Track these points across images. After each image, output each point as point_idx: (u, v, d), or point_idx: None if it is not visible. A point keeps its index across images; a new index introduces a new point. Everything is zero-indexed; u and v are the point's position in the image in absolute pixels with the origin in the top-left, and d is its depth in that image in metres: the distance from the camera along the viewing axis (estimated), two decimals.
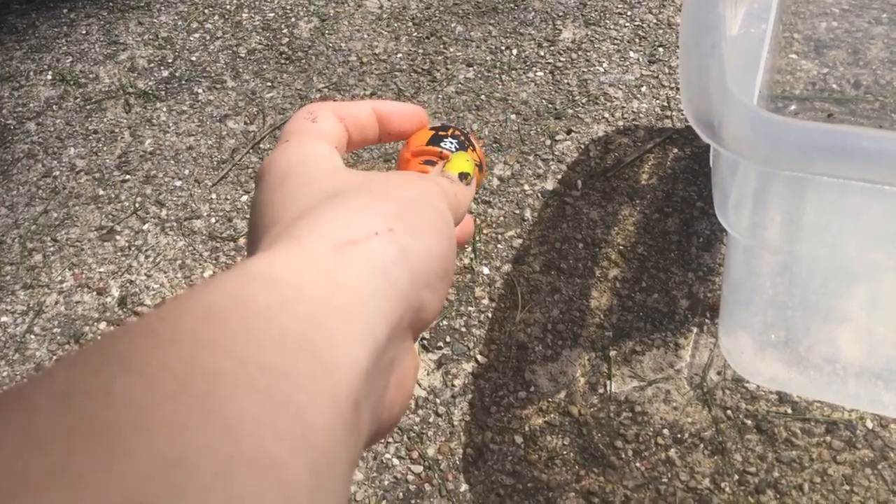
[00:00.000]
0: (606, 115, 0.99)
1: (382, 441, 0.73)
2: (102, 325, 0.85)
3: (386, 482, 0.70)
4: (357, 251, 0.23)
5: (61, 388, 0.16)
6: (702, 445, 0.70)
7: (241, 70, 1.11)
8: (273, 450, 0.16)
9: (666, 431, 0.71)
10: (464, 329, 0.80)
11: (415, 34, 1.12)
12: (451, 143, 0.33)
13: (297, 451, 0.16)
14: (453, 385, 0.76)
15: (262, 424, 0.16)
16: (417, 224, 0.25)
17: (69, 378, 0.16)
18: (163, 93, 1.10)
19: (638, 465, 0.69)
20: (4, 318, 0.87)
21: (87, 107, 1.10)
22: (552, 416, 0.73)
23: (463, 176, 0.31)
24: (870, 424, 0.70)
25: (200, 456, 0.15)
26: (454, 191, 0.30)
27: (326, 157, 0.28)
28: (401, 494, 0.70)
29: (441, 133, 0.33)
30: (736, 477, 0.68)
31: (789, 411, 0.71)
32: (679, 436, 0.71)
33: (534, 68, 1.06)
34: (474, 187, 0.32)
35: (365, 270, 0.22)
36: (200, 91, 1.10)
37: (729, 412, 0.71)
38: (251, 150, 1.00)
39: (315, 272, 0.21)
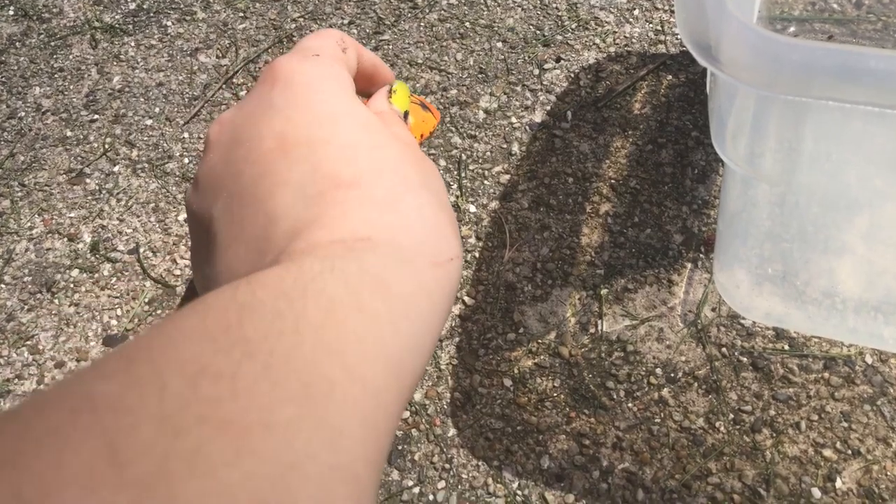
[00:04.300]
0: (597, 40, 0.94)
1: None
2: (75, 273, 0.81)
3: None
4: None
5: (191, 367, 0.16)
6: (696, 384, 0.68)
7: (211, 0, 1.06)
8: (360, 471, 0.17)
9: (659, 371, 0.69)
10: None
11: None
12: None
13: (374, 469, 0.17)
14: None
15: (356, 443, 0.17)
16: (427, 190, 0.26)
17: (196, 356, 0.16)
18: (130, 27, 1.05)
19: (630, 405, 0.67)
20: None
21: (52, 43, 1.04)
22: (542, 357, 0.70)
23: (405, 115, 0.32)
24: (869, 359, 0.67)
25: (310, 463, 0.15)
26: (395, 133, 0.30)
27: (346, 89, 0.27)
28: None
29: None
30: (731, 416, 0.66)
31: (786, 347, 0.69)
32: (672, 375, 0.69)
33: None
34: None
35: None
36: (169, 24, 1.04)
37: (724, 350, 0.69)
38: (224, 86, 0.95)
39: (390, 280, 0.21)
